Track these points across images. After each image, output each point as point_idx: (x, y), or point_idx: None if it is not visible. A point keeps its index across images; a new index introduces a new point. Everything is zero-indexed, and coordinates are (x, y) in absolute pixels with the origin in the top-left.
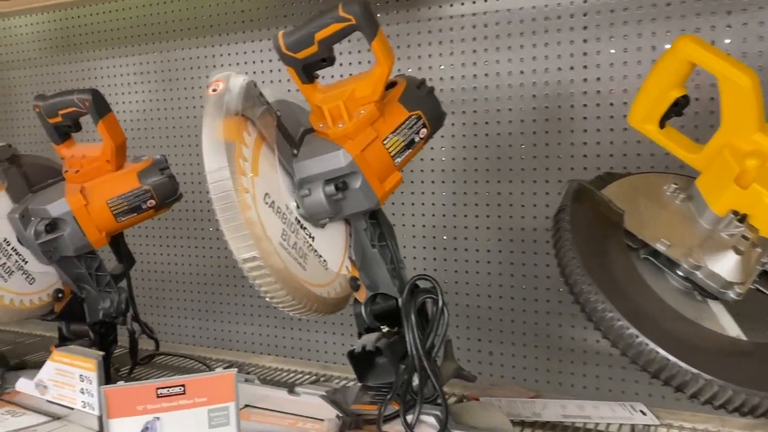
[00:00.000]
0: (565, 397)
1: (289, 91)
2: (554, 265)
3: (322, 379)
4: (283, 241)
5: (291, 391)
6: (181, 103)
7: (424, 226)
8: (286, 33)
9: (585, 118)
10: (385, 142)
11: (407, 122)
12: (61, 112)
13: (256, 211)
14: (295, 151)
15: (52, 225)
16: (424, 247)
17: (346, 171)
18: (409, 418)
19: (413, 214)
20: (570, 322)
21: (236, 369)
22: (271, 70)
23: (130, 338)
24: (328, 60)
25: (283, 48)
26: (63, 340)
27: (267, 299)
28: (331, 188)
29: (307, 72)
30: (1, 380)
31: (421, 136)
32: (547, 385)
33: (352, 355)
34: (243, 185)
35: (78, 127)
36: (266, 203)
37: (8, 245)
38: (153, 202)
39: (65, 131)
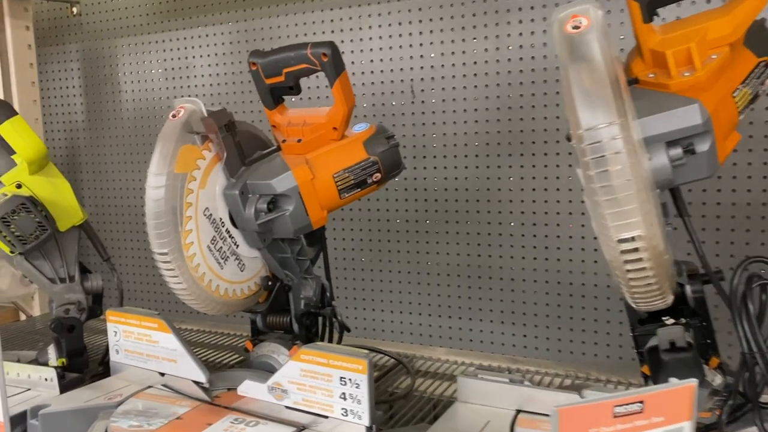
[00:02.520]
0: None
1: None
2: None
3: (517, 374)
4: None
5: (580, 395)
6: None
7: None
8: None
9: None
10: (734, 94)
11: (756, 70)
12: (286, 71)
13: (636, 180)
14: None
15: (274, 202)
16: None
17: (700, 130)
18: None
19: None
20: None
21: (695, 380)
22: (371, 38)
23: (326, 330)
24: None
25: None
26: (257, 334)
27: (623, 287)
28: (677, 151)
29: (651, 10)
30: (207, 383)
31: (765, 87)
32: None
33: (653, 352)
34: (630, 147)
35: (297, 90)
36: None
37: (223, 226)
38: (379, 175)
39: (281, 94)
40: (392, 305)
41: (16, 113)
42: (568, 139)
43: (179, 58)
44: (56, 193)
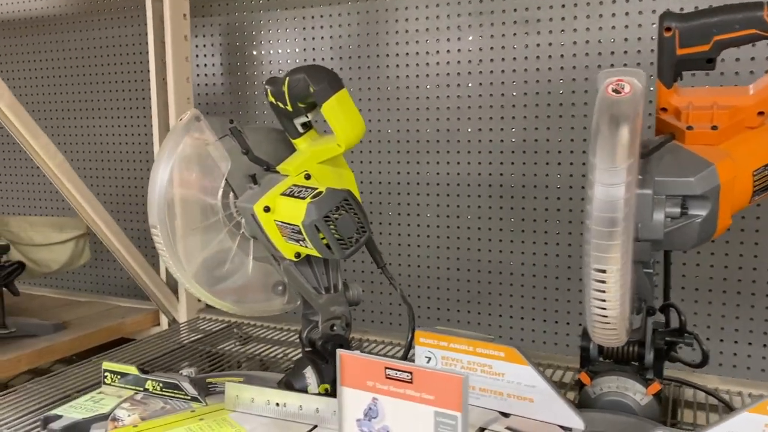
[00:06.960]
0: None
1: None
2: None
3: None
4: None
5: None
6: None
7: None
8: None
9: None
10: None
11: None
12: (717, 38)
13: None
14: None
15: (686, 205)
16: None
17: None
18: None
19: None
20: None
21: None
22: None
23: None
24: None
25: None
26: (587, 363)
27: None
28: None
29: None
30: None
31: None
32: None
33: None
34: None
35: (713, 65)
36: None
37: None
38: None
39: (687, 69)
40: None
41: (343, 85)
42: None
43: (357, 35)
44: (343, 186)
